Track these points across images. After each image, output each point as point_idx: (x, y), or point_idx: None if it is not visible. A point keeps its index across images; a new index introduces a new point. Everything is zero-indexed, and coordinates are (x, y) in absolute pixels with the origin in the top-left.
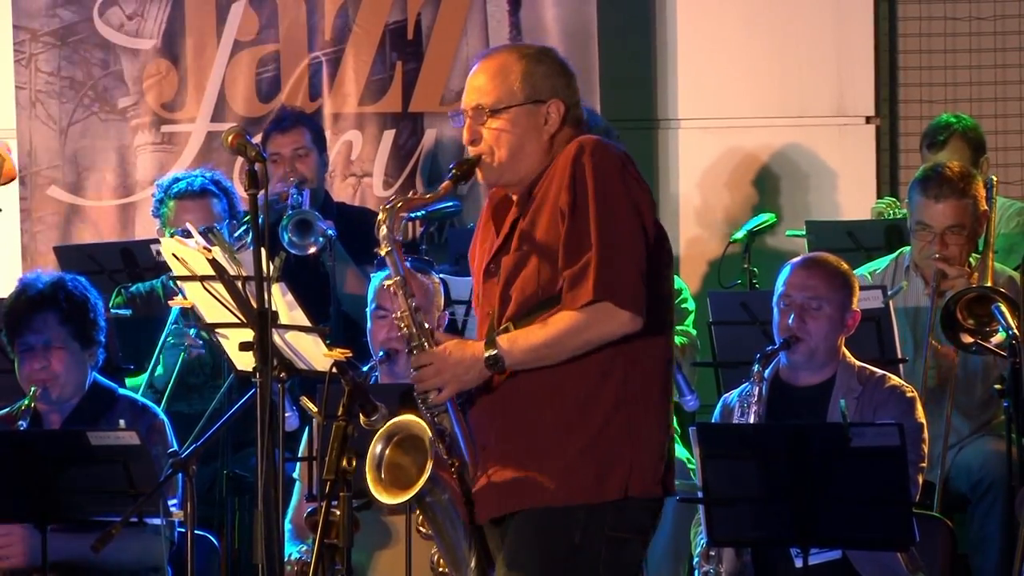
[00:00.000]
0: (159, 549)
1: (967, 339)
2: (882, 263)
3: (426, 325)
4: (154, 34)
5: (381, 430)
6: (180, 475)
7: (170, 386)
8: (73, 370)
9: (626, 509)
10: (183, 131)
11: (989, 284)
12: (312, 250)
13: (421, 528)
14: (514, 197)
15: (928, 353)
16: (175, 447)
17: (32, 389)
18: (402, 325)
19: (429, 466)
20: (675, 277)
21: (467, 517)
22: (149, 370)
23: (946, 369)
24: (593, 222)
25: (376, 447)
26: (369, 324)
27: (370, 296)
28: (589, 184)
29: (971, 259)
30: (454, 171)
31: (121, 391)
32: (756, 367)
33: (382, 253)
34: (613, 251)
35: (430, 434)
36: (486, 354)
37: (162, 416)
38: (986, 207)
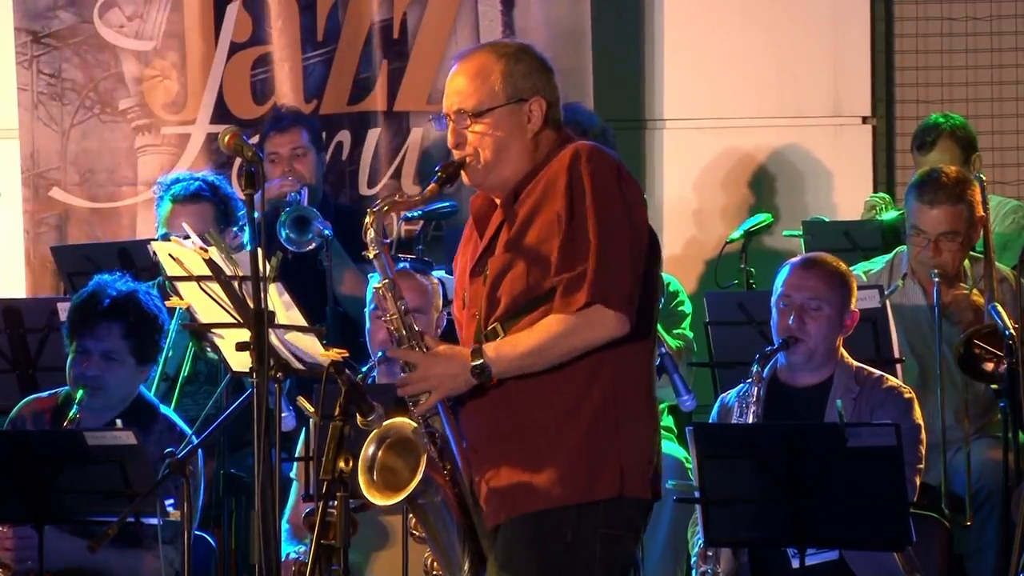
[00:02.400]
0: (158, 569)
1: (989, 367)
2: (878, 263)
3: (416, 328)
4: (154, 35)
5: (373, 432)
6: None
7: (186, 364)
8: (122, 384)
9: (618, 507)
10: (184, 133)
11: (995, 295)
12: (310, 247)
13: (414, 531)
14: (498, 201)
15: (939, 336)
16: (201, 475)
17: (80, 392)
18: (392, 328)
19: (422, 467)
20: (672, 279)
21: (460, 519)
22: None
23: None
24: (592, 229)
25: (368, 449)
26: (368, 324)
27: (369, 296)
28: (587, 190)
29: (966, 262)
30: (439, 174)
31: (163, 409)
32: (755, 367)
33: (370, 256)
34: (611, 257)
35: (422, 437)
36: (472, 363)
37: (195, 441)
38: (982, 212)
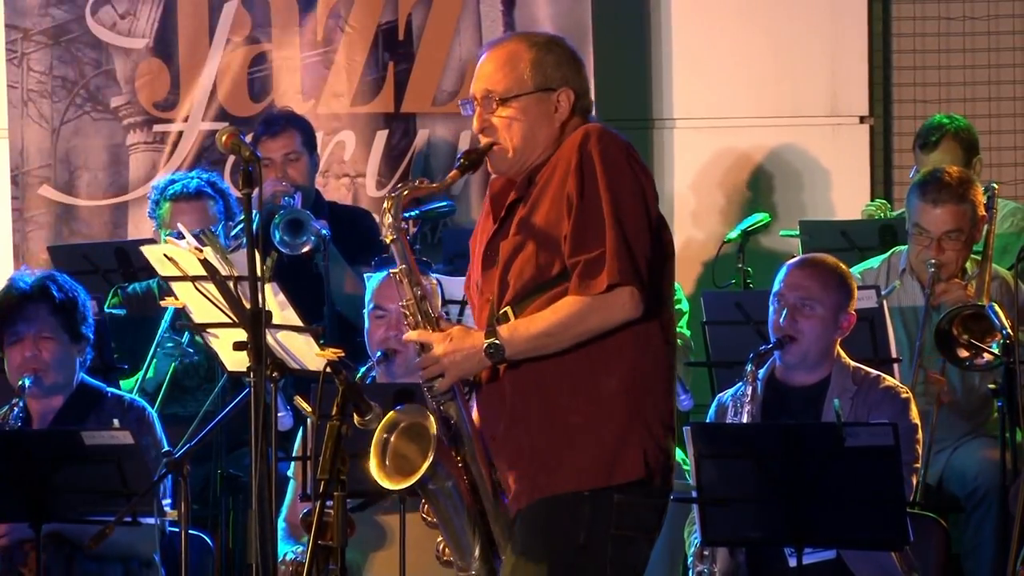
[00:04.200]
0: (150, 541)
1: (963, 354)
2: (874, 263)
3: (431, 313)
4: (146, 33)
5: (386, 418)
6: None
7: (163, 390)
8: (62, 362)
9: (631, 507)
10: (175, 130)
11: (986, 296)
12: (305, 249)
13: (426, 516)
14: (515, 181)
15: (919, 365)
16: (165, 442)
17: (21, 382)
18: (408, 314)
19: (432, 452)
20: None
21: (471, 505)
22: (141, 374)
23: (934, 393)
24: (607, 210)
25: (382, 435)
26: (367, 324)
27: (367, 296)
28: (598, 170)
29: (967, 265)
30: (463, 160)
31: (108, 389)
32: (749, 367)
33: (387, 241)
34: (626, 239)
35: (435, 422)
36: (486, 343)
37: (150, 409)
38: (984, 212)
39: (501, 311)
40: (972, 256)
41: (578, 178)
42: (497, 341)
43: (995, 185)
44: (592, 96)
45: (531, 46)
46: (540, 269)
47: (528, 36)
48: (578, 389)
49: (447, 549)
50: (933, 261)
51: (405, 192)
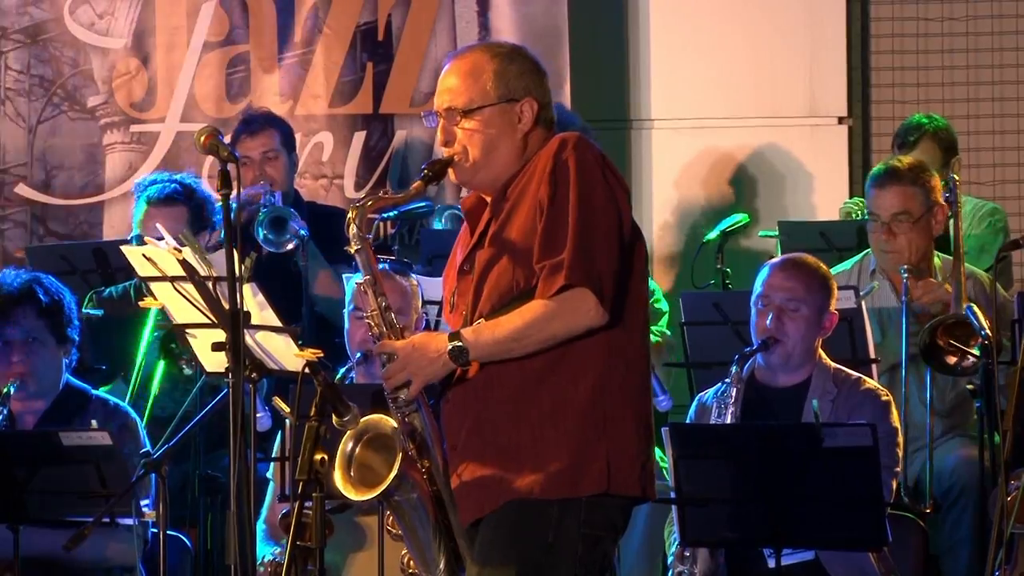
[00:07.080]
0: (132, 548)
1: (951, 360)
2: (847, 265)
3: (396, 324)
4: (124, 33)
5: (352, 428)
6: (152, 475)
7: (152, 394)
8: (49, 365)
9: (600, 507)
10: (152, 131)
11: (963, 298)
12: (289, 247)
13: (391, 528)
14: (487, 199)
15: (906, 331)
16: (148, 447)
17: (6, 389)
18: (372, 324)
19: (398, 463)
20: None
21: (436, 517)
22: (131, 389)
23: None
24: (573, 215)
25: (347, 445)
26: (347, 325)
27: (347, 297)
28: (571, 177)
29: (936, 260)
30: (426, 171)
31: (94, 392)
32: (734, 368)
33: (352, 251)
34: (590, 243)
35: (401, 433)
36: (449, 345)
37: (134, 415)
38: (942, 202)
39: (475, 322)
40: (944, 257)
41: (551, 184)
42: (460, 343)
43: (955, 176)
44: (557, 104)
45: (493, 56)
46: (517, 280)
47: (490, 46)
48: (543, 401)
49: (412, 562)
50: (906, 267)
51: (369, 203)
